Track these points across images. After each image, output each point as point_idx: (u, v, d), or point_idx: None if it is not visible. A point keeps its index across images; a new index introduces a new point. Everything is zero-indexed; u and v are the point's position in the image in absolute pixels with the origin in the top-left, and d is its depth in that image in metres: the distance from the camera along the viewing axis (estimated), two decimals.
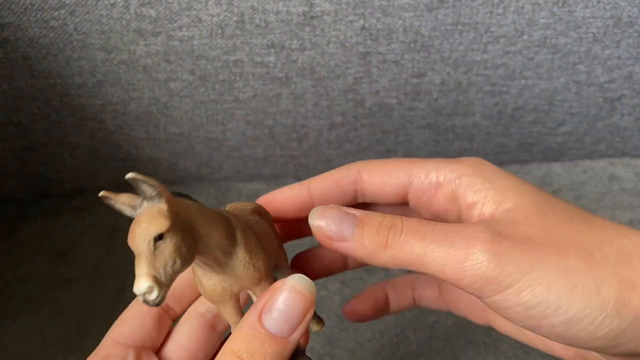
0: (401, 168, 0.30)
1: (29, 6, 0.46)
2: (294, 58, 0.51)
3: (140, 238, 0.19)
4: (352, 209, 0.27)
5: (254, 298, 0.25)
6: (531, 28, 0.51)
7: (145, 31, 0.48)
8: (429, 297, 0.37)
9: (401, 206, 0.32)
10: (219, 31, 0.48)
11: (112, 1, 0.46)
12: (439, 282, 0.37)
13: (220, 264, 0.23)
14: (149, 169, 0.58)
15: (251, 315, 0.22)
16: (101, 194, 0.21)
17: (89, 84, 0.51)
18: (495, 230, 0.23)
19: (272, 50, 0.50)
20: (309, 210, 0.27)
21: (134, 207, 0.21)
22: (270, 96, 0.53)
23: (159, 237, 0.19)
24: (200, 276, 0.24)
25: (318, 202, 0.30)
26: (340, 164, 0.33)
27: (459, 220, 0.28)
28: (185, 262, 0.20)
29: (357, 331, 0.46)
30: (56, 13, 0.46)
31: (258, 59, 0.51)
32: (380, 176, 0.30)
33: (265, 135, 0.56)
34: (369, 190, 0.31)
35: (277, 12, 0.48)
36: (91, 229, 0.55)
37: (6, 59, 0.49)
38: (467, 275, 0.23)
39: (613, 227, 0.24)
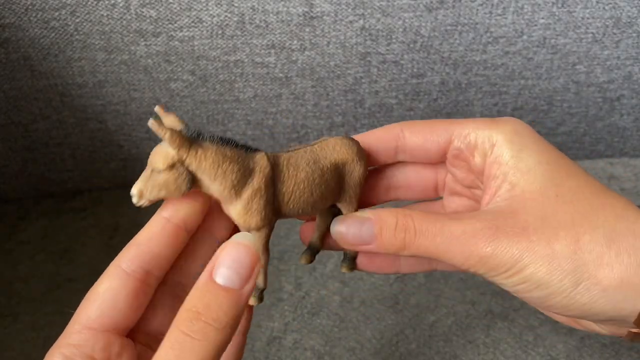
0: (443, 127, 0.32)
1: (30, 7, 0.46)
2: (294, 58, 0.51)
3: (149, 162, 0.26)
4: (367, 210, 0.30)
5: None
6: (530, 28, 0.51)
7: (146, 32, 0.48)
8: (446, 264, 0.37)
9: (436, 167, 0.34)
10: (220, 32, 0.49)
11: (112, 2, 0.46)
12: None
13: (222, 204, 0.28)
14: None
15: (203, 274, 0.23)
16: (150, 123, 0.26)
17: (90, 84, 0.51)
18: (495, 226, 0.28)
19: (272, 51, 0.50)
20: None
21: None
22: (271, 96, 0.53)
23: (159, 170, 0.26)
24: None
25: None
26: None
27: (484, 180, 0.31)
28: (170, 194, 0.26)
29: (357, 330, 0.46)
30: (57, 13, 0.47)
31: (258, 60, 0.51)
32: (423, 133, 0.32)
33: (265, 135, 0.57)
34: (409, 146, 0.32)
35: (277, 13, 0.48)
36: (91, 229, 0.55)
37: (7, 59, 0.49)
38: (471, 266, 0.28)
39: (614, 207, 0.28)
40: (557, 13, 0.50)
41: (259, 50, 0.50)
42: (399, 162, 0.34)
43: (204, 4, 0.47)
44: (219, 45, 0.49)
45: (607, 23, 0.51)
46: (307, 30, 0.49)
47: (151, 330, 0.28)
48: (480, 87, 0.55)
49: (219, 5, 0.47)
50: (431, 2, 0.48)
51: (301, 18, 0.48)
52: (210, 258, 0.30)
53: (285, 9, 0.48)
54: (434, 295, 0.48)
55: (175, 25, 0.48)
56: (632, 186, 0.58)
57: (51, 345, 0.26)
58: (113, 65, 0.50)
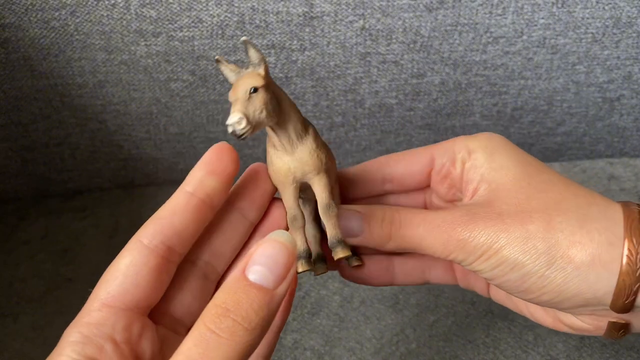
0: (424, 150, 0.34)
1: (30, 7, 0.46)
2: (294, 58, 0.51)
3: (241, 88, 0.25)
4: (357, 206, 0.31)
5: (315, 190, 0.29)
6: (530, 28, 0.51)
7: (146, 32, 0.48)
8: (438, 272, 0.37)
9: (422, 192, 0.36)
10: (220, 32, 0.49)
11: (112, 2, 0.46)
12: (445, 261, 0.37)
13: (292, 143, 0.28)
14: (150, 169, 0.58)
15: (236, 269, 0.22)
16: (217, 58, 0.27)
17: (90, 84, 0.51)
18: (472, 213, 0.29)
19: (272, 51, 0.50)
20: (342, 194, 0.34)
21: (237, 73, 0.27)
22: None
23: (254, 90, 0.25)
24: (273, 156, 0.29)
25: (348, 186, 0.34)
26: (340, 164, 0.34)
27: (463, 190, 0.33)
28: (270, 116, 0.26)
29: (357, 330, 0.46)
30: (57, 13, 0.47)
31: None
32: (407, 158, 0.34)
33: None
34: (396, 173, 0.34)
35: (277, 13, 0.48)
36: (92, 229, 0.55)
37: (7, 59, 0.49)
38: (450, 252, 0.29)
39: (586, 195, 0.29)
40: (557, 13, 0.50)
41: None
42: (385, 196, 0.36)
43: (204, 4, 0.47)
44: (219, 46, 0.49)
45: (607, 23, 0.51)
46: (307, 30, 0.49)
47: (177, 313, 0.27)
48: (480, 87, 0.55)
49: (219, 5, 0.47)
50: (431, 2, 0.48)
51: (301, 18, 0.48)
52: (240, 239, 0.30)
53: (285, 9, 0.48)
54: (434, 295, 0.48)
55: (175, 25, 0.48)
56: (632, 186, 0.58)
57: (51, 345, 0.25)
58: (113, 65, 0.50)
